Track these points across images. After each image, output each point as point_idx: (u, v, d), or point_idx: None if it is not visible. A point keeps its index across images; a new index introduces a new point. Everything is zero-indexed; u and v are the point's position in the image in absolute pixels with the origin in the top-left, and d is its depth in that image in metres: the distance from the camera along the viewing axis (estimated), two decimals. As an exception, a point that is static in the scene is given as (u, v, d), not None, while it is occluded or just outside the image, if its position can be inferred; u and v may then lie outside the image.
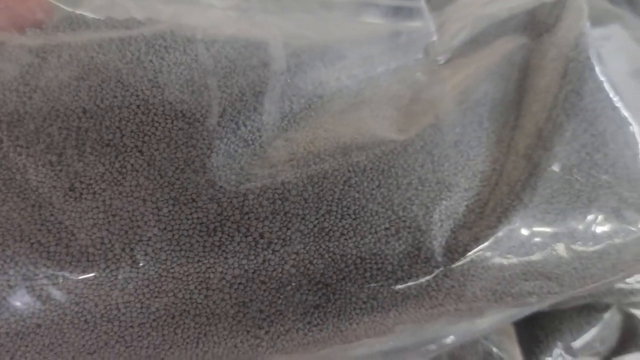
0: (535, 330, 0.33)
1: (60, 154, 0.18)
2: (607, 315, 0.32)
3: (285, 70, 0.23)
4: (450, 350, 0.31)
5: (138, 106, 0.19)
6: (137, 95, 0.20)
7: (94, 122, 0.19)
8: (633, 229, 0.23)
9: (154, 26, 0.22)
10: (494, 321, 0.26)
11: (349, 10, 0.29)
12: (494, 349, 0.31)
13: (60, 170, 0.18)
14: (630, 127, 0.25)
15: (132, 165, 0.19)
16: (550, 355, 0.32)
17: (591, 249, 0.22)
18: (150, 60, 0.21)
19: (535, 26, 0.27)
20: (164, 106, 0.20)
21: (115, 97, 0.19)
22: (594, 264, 0.22)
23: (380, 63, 0.26)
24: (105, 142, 0.19)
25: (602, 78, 0.24)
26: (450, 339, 0.25)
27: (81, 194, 0.18)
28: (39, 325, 0.17)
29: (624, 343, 0.33)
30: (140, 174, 0.19)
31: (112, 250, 0.18)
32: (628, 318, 0.33)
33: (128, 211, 0.18)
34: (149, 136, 0.19)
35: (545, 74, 0.25)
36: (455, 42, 0.27)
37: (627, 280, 0.31)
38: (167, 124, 0.19)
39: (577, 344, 0.32)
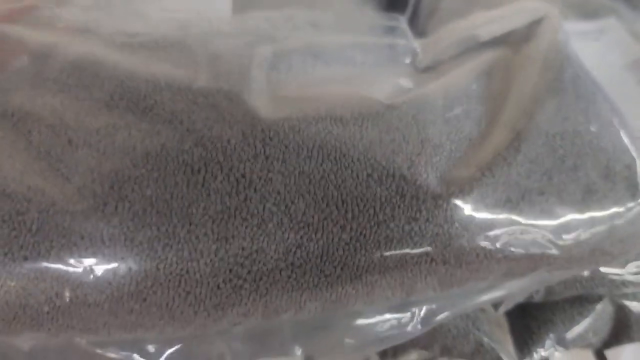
0: (527, 321, 0.33)
1: (61, 117, 0.20)
2: (599, 307, 0.32)
3: (272, 56, 0.24)
4: (442, 341, 0.31)
5: (127, 77, 0.21)
6: (128, 70, 0.22)
7: (90, 92, 0.21)
8: (630, 204, 0.23)
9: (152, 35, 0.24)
10: (492, 295, 0.26)
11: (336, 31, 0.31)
12: (486, 339, 0.31)
13: (60, 129, 0.20)
14: (611, 110, 0.25)
15: (125, 122, 0.20)
16: (543, 347, 0.32)
17: (582, 206, 0.22)
18: (147, 50, 0.23)
19: (514, 40, 0.28)
20: (153, 76, 0.21)
21: (109, 76, 0.21)
22: (586, 228, 0.22)
23: (366, 65, 0.27)
24: (100, 105, 0.21)
25: (579, 67, 0.25)
26: (444, 314, 0.25)
27: (77, 145, 0.20)
28: (25, 258, 0.18)
29: (616, 335, 0.33)
30: (133, 127, 0.20)
31: (101, 187, 0.19)
32: (620, 309, 0.33)
33: (119, 157, 0.19)
34: (137, 97, 0.21)
35: (526, 69, 0.26)
36: (439, 58, 0.28)
37: (619, 271, 0.31)
38: (155, 88, 0.21)
39: (570, 335, 0.32)
